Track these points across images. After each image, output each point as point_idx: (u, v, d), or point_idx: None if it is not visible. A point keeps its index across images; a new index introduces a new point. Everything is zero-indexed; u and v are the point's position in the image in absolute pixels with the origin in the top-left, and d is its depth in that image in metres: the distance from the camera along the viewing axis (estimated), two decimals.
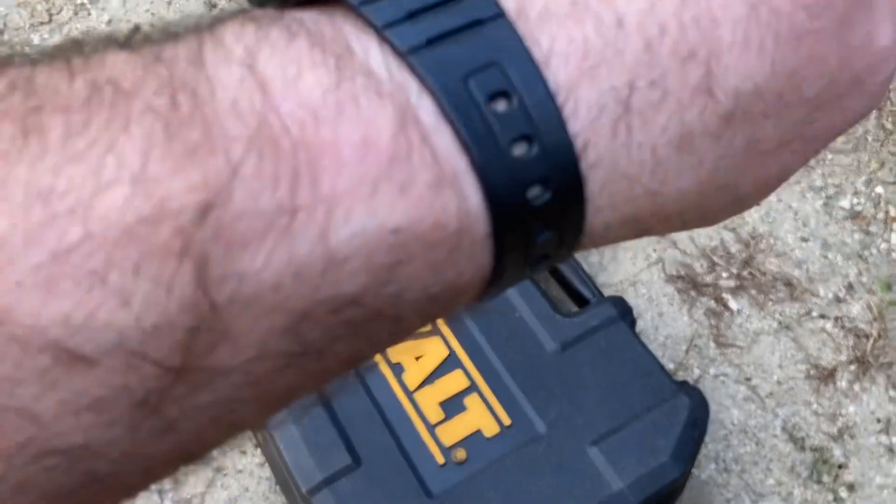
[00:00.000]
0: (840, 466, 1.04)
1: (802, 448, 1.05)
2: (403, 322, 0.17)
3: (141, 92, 0.14)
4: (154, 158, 0.14)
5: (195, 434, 0.15)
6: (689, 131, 0.17)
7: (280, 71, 0.15)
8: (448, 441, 0.91)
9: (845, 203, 1.25)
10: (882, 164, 1.28)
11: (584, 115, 0.16)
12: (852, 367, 1.11)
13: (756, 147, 0.19)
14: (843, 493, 1.02)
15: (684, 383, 0.94)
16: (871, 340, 1.12)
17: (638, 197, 0.18)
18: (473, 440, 0.91)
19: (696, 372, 1.11)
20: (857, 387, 1.09)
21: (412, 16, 0.16)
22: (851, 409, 1.08)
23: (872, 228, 1.23)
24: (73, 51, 0.15)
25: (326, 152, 0.15)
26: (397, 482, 0.88)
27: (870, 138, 1.31)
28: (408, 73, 0.16)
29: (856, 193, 1.26)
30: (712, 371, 1.11)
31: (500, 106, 0.16)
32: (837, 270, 1.19)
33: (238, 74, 0.15)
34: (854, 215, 1.24)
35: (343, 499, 0.87)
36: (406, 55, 0.15)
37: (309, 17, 0.16)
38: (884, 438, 1.05)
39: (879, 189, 1.26)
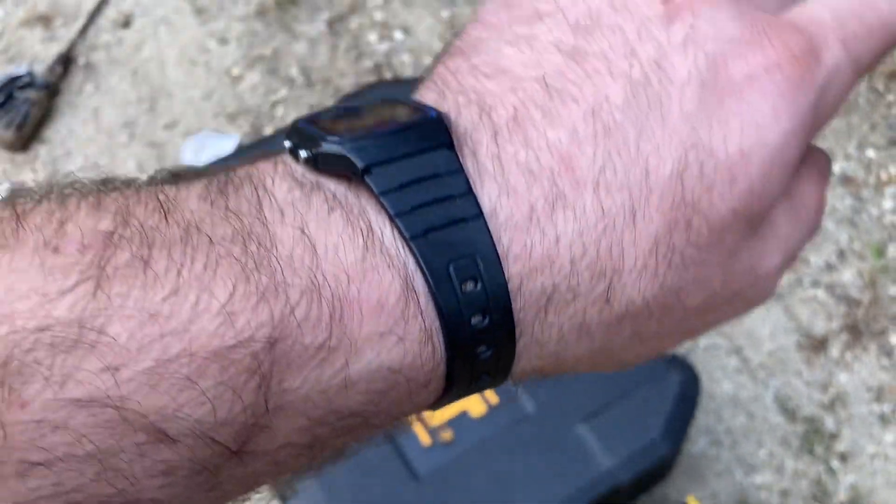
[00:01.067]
0: (832, 436, 1.02)
1: (794, 419, 1.04)
2: (381, 426, 0.22)
3: (222, 240, 0.20)
4: (236, 297, 0.19)
5: (229, 494, 0.21)
6: (588, 323, 0.23)
7: (324, 238, 0.21)
8: (434, 422, 0.89)
9: (836, 167, 1.23)
10: (874, 128, 1.26)
11: (521, 301, 0.22)
12: (844, 336, 1.09)
13: (639, 336, 0.24)
14: (836, 464, 1.01)
15: (675, 358, 0.93)
16: (863, 308, 1.11)
17: (545, 356, 0.23)
18: (460, 420, 0.89)
19: (687, 344, 1.09)
20: (848, 355, 1.08)
21: (415, 209, 0.22)
22: (843, 378, 1.06)
23: (864, 193, 1.20)
24: (156, 187, 0.21)
25: (354, 307, 0.20)
26: (382, 464, 0.86)
27: (861, 101, 1.28)
28: (410, 253, 0.21)
29: (847, 158, 1.24)
30: (703, 342, 1.09)
31: (469, 286, 0.21)
32: (829, 237, 1.17)
33: (292, 235, 0.20)
34: (845, 180, 1.22)
35: (326, 483, 0.85)
36: (410, 241, 0.21)
37: (340, 191, 0.22)
38: (876, 407, 1.04)
39: (871, 153, 1.24)
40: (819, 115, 0.24)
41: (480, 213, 0.22)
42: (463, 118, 0.23)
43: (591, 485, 0.85)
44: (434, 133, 0.23)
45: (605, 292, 0.23)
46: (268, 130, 1.28)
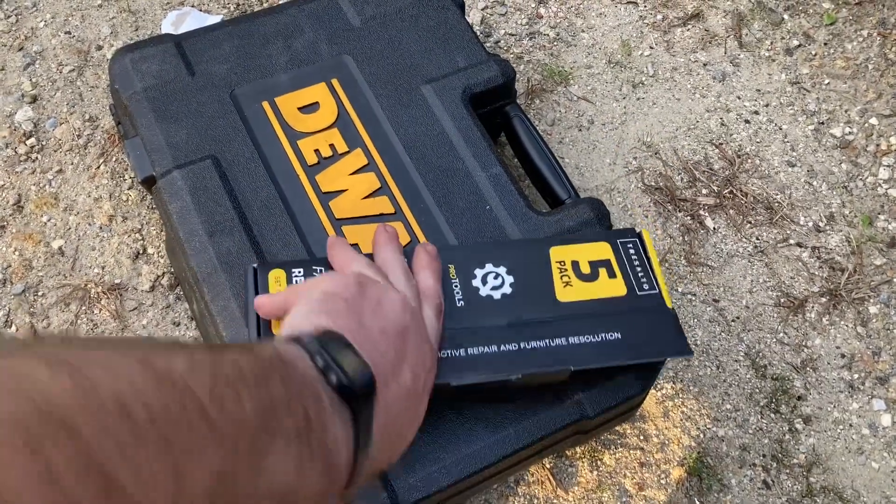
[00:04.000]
0: (799, 398, 1.01)
1: (764, 376, 1.01)
2: None
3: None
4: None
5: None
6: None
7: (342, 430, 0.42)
8: None
9: (837, 131, 1.19)
10: (879, 95, 1.22)
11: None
12: (823, 300, 1.07)
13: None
14: (799, 425, 0.99)
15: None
16: (846, 274, 1.08)
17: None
18: None
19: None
20: (825, 320, 1.05)
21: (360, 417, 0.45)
22: (818, 341, 1.04)
23: (861, 160, 1.17)
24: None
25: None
26: None
27: (870, 66, 1.25)
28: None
29: (848, 122, 1.20)
30: (680, 289, 1.06)
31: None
32: (821, 199, 1.14)
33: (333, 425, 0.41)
34: (844, 144, 1.18)
35: None
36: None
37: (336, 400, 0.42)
38: (846, 374, 1.02)
39: (873, 120, 1.20)
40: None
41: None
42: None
43: (557, 415, 0.82)
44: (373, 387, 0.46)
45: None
46: (255, 9, 1.20)
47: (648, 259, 0.80)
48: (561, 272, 0.79)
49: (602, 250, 0.81)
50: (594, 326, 0.75)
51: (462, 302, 0.76)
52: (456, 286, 0.77)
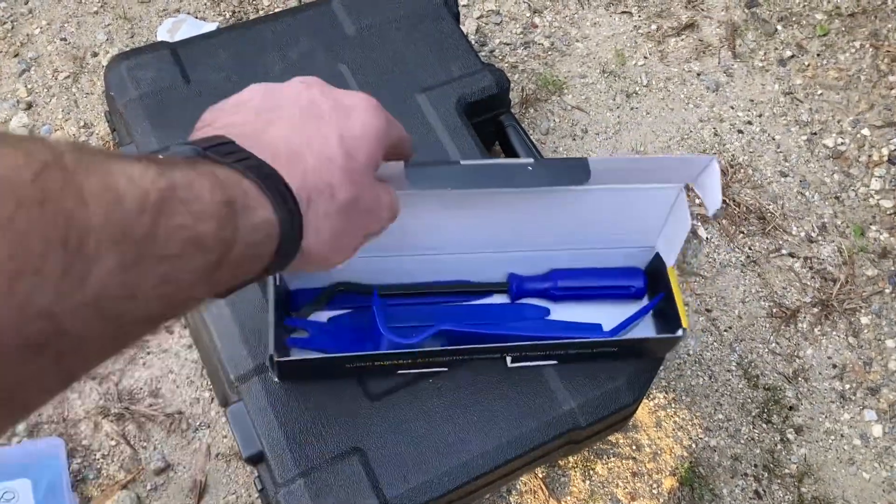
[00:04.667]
0: (791, 408, 1.01)
1: (756, 386, 1.02)
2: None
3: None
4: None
5: None
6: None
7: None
8: None
9: (829, 141, 1.20)
10: (871, 106, 1.23)
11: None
12: (815, 310, 1.07)
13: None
14: (791, 435, 0.99)
15: None
16: (838, 285, 1.09)
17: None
18: None
19: None
20: (817, 330, 1.06)
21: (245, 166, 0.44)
22: (809, 351, 1.04)
23: (853, 171, 1.18)
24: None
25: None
26: (335, 381, 0.82)
27: (863, 77, 1.25)
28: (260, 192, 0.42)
29: (841, 133, 1.21)
30: None
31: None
32: (813, 210, 1.14)
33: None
34: (836, 155, 1.19)
35: (272, 389, 0.81)
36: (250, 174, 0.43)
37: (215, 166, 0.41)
38: (837, 384, 1.03)
39: (865, 131, 1.21)
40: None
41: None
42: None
43: (549, 424, 0.82)
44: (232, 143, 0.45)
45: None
46: (251, 17, 1.20)
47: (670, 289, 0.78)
48: None
49: None
50: None
51: None
52: None
